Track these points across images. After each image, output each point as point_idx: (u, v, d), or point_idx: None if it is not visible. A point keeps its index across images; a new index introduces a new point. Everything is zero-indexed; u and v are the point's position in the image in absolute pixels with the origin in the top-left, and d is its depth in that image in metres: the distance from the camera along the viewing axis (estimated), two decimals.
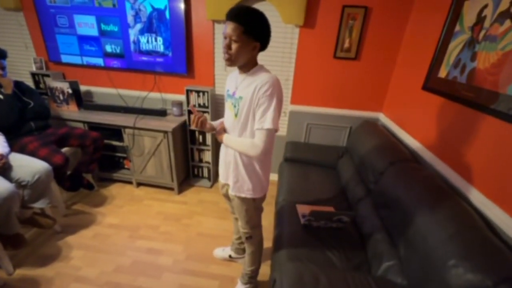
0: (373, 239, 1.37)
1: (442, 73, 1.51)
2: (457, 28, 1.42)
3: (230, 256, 1.72)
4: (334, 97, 2.35)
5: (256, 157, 1.08)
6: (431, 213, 1.09)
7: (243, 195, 1.21)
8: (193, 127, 1.52)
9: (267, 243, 1.60)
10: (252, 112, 1.04)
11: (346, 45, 2.14)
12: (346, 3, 2.00)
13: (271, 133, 1.03)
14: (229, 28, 0.95)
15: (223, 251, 1.75)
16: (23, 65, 2.64)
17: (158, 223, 2.05)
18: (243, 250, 1.66)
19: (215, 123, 1.28)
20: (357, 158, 1.98)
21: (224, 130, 1.19)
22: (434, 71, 1.59)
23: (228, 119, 1.17)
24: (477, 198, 1.16)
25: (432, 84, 1.61)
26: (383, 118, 2.30)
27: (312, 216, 1.44)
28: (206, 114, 2.32)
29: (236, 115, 1.09)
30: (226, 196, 1.38)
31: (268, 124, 1.00)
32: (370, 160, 1.74)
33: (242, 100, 1.05)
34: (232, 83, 1.15)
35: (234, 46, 0.97)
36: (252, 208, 1.27)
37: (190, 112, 2.30)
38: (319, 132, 2.49)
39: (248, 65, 1.07)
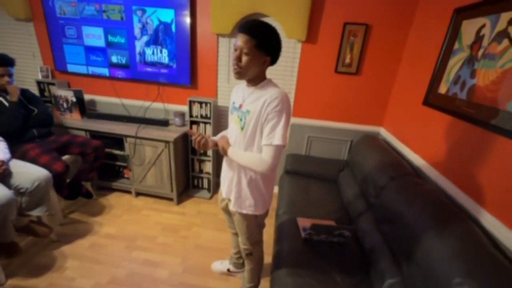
0: (375, 255, 1.34)
1: (442, 89, 1.53)
2: (456, 46, 1.45)
3: (228, 270, 1.68)
4: (335, 110, 2.37)
5: (263, 173, 1.06)
6: (434, 229, 1.07)
7: (244, 211, 1.18)
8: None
9: (267, 257, 1.57)
10: (260, 127, 1.03)
11: (347, 60, 2.18)
12: (348, 20, 2.06)
13: (280, 149, 1.02)
14: (241, 40, 0.95)
15: (222, 265, 1.71)
16: (30, 73, 2.68)
17: (155, 234, 2.02)
18: (242, 264, 1.62)
19: (216, 138, 1.25)
20: (358, 172, 1.97)
21: (227, 143, 1.16)
22: (434, 87, 1.61)
23: (233, 132, 1.14)
24: (481, 215, 1.14)
25: (432, 100, 1.63)
26: (383, 133, 2.31)
27: (313, 229, 1.41)
28: (207, 125, 2.33)
29: (242, 128, 1.07)
30: (225, 210, 1.36)
31: (277, 140, 0.99)
32: (371, 174, 1.73)
33: (250, 114, 1.03)
34: (238, 95, 1.14)
35: (244, 59, 0.96)
36: (253, 224, 1.24)
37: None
38: (320, 145, 2.49)
39: (257, 79, 1.06)
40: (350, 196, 1.89)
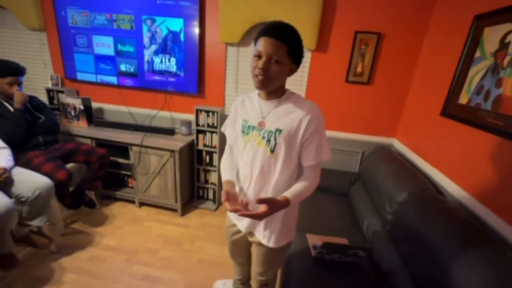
0: (394, 279, 1.22)
1: (463, 100, 1.44)
2: (478, 54, 1.37)
3: None
4: (345, 121, 2.29)
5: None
6: (461, 253, 0.97)
7: (281, 244, 1.04)
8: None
9: None
10: (296, 147, 0.91)
11: (359, 69, 2.12)
12: (359, 29, 2.01)
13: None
14: (271, 46, 0.80)
15: (224, 286, 1.59)
16: (40, 81, 2.71)
17: (157, 247, 1.93)
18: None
19: (234, 191, 0.98)
20: (371, 185, 1.86)
21: (276, 197, 0.89)
22: (454, 97, 1.52)
23: (251, 155, 0.95)
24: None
25: (452, 111, 1.53)
26: (397, 144, 2.20)
27: (324, 248, 1.31)
28: (214, 134, 2.28)
29: (272, 150, 0.91)
30: (237, 243, 1.19)
31: (326, 155, 0.93)
32: (386, 188, 1.63)
33: (282, 133, 0.89)
34: (250, 111, 0.97)
35: (275, 67, 0.81)
36: (284, 254, 1.14)
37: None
38: None
39: (280, 90, 0.92)
40: (363, 211, 1.78)
